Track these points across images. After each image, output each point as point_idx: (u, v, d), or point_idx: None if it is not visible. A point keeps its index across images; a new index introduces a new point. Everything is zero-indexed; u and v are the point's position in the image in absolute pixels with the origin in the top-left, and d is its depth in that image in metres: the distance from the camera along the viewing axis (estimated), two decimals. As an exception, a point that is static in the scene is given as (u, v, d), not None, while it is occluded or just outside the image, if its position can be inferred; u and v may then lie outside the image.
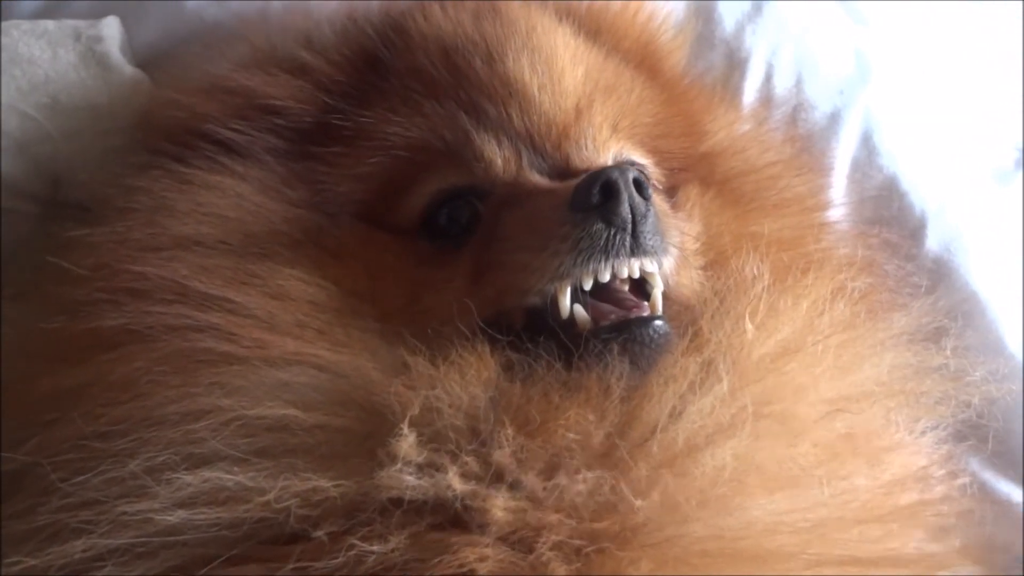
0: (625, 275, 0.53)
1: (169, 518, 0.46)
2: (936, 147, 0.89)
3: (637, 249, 0.53)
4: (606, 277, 0.53)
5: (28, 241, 0.67)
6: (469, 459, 0.47)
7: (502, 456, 0.47)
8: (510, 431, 0.47)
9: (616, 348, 0.50)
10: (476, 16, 0.65)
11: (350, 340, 0.52)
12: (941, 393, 0.60)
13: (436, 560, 0.45)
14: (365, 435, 0.48)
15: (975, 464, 0.77)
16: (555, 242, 0.52)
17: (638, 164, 0.63)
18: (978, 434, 0.77)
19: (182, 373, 0.50)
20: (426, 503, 0.46)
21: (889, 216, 0.84)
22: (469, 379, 0.49)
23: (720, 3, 0.85)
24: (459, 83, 0.61)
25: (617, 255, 0.53)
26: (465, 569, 0.45)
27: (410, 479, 0.46)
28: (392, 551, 0.44)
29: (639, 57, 0.71)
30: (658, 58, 0.73)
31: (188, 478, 0.47)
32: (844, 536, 0.50)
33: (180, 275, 0.53)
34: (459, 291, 0.55)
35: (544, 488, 0.46)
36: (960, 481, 0.62)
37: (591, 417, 0.48)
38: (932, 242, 0.83)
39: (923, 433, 0.60)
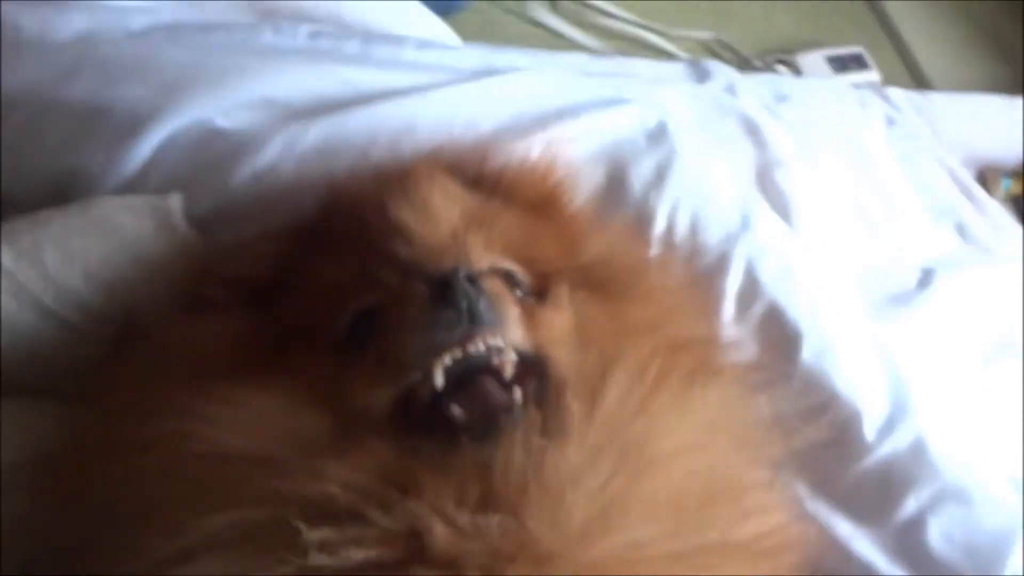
0: (472, 350, 0.68)
1: None
2: (811, 275, 1.11)
3: (475, 320, 0.68)
4: (458, 353, 0.68)
5: (97, 358, 0.88)
6: (369, 530, 0.59)
7: (398, 519, 0.60)
8: (403, 498, 0.62)
9: (480, 435, 0.66)
10: (379, 183, 0.85)
11: (289, 438, 0.67)
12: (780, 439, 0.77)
13: None
14: (291, 527, 0.59)
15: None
16: (419, 328, 0.68)
17: (507, 269, 0.80)
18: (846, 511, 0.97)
19: (172, 474, 0.66)
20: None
21: (773, 334, 1.04)
22: (359, 464, 0.62)
23: (631, 172, 1.10)
24: (362, 233, 0.79)
25: (459, 328, 0.68)
26: None
27: (325, 560, 0.57)
28: None
29: (531, 200, 0.90)
30: (549, 201, 0.92)
31: (182, 573, 0.60)
32: (701, 561, 0.64)
33: (174, 398, 0.70)
34: (368, 378, 0.69)
35: (469, 525, 0.60)
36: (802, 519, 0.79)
37: (466, 479, 0.63)
38: (806, 352, 1.02)
39: (772, 481, 0.75)
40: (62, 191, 0.98)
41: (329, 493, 0.62)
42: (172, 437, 0.68)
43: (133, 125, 0.97)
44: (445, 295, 0.69)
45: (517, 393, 0.70)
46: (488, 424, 0.67)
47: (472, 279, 0.71)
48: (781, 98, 1.51)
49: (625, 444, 0.67)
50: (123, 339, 0.87)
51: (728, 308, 1.06)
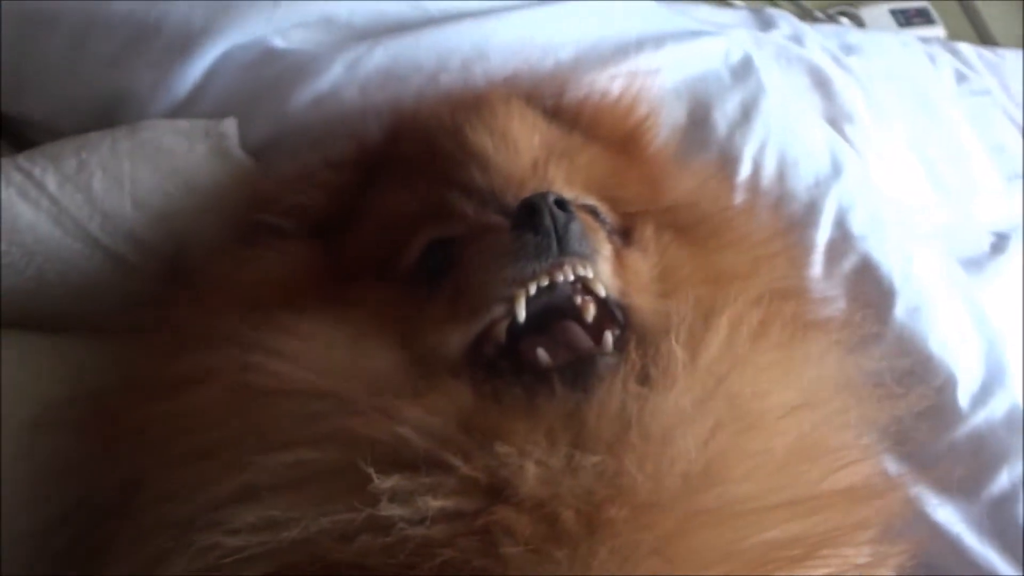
0: (561, 279, 0.63)
1: (234, 543, 0.54)
2: (902, 230, 1.03)
3: (565, 250, 0.63)
4: (545, 281, 0.63)
5: (145, 294, 0.82)
6: (447, 479, 0.55)
7: (483, 466, 0.55)
8: (488, 445, 0.56)
9: (570, 380, 0.61)
10: (453, 108, 0.80)
11: (356, 376, 0.63)
12: (877, 402, 0.71)
13: (470, 537, 0.53)
14: (361, 472, 0.55)
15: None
16: (501, 258, 0.64)
17: (592, 205, 0.75)
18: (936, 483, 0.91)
19: (233, 408, 0.61)
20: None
21: (865, 289, 0.96)
22: (436, 407, 0.58)
23: (715, 111, 1.01)
24: (436, 159, 0.75)
25: (547, 258, 0.62)
26: (495, 539, 0.53)
27: (399, 511, 0.54)
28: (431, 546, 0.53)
29: (613, 137, 0.84)
30: (631, 139, 0.86)
31: (247, 511, 0.55)
32: (794, 512, 0.59)
33: (235, 327, 0.66)
34: (441, 317, 0.66)
35: (563, 464, 0.56)
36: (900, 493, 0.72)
37: (557, 425, 0.58)
38: (899, 310, 0.95)
39: (867, 444, 0.70)
40: (108, 116, 0.92)
41: (403, 437, 0.57)
42: (232, 369, 0.63)
43: (184, 43, 0.90)
44: (532, 220, 0.64)
45: (608, 338, 0.65)
46: (580, 369, 0.62)
47: (562, 204, 0.65)
48: (849, 49, 1.42)
49: (729, 396, 0.62)
50: (173, 275, 0.81)
51: (817, 260, 0.98)
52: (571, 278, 0.64)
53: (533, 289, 0.63)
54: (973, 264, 1.18)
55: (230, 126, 0.86)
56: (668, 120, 0.96)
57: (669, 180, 0.85)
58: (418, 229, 0.72)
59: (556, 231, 0.63)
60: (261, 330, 0.64)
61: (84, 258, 0.80)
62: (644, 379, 0.61)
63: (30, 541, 0.69)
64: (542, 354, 0.63)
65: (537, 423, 0.58)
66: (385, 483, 0.54)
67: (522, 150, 0.74)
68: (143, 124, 0.85)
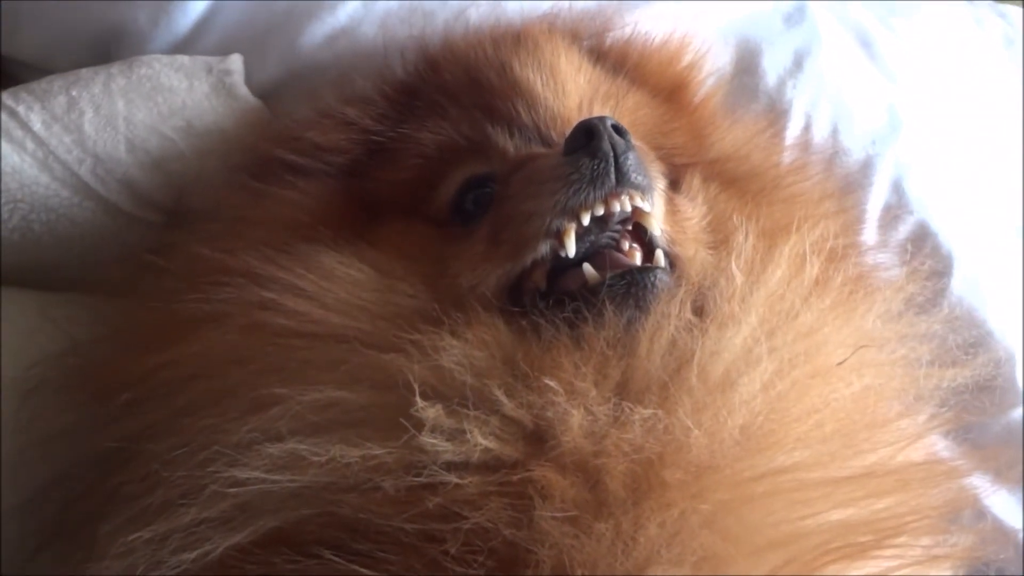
0: (617, 209, 0.57)
1: (253, 478, 0.50)
2: (961, 198, 0.93)
3: (622, 180, 0.57)
4: (600, 210, 0.57)
5: (137, 244, 0.74)
6: (491, 417, 0.50)
7: (528, 407, 0.50)
8: (534, 382, 0.51)
9: (621, 295, 0.55)
10: (494, 40, 0.73)
11: (384, 314, 0.57)
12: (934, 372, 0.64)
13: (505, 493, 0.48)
14: (397, 407, 0.51)
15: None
16: (551, 184, 0.57)
17: (639, 146, 0.66)
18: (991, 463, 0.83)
19: (251, 349, 0.56)
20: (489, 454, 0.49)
21: (921, 258, 0.88)
22: (477, 342, 0.53)
23: (764, 58, 0.91)
24: (477, 92, 0.69)
25: (604, 185, 0.56)
26: (534, 498, 0.47)
27: (441, 444, 0.49)
28: (464, 498, 0.47)
29: (659, 83, 0.77)
30: (678, 87, 0.78)
31: (270, 449, 0.51)
32: (850, 489, 0.53)
33: (251, 264, 0.59)
34: (480, 255, 0.59)
35: (609, 415, 0.50)
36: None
37: (600, 362, 0.52)
38: (957, 281, 0.87)
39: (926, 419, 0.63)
40: (104, 55, 0.83)
41: (446, 369, 0.51)
42: (247, 309, 0.57)
43: (186, -29, 0.81)
44: (589, 144, 0.57)
45: (660, 254, 0.59)
46: (632, 281, 0.56)
47: (620, 130, 0.58)
48: (892, 10, 1.31)
49: (794, 336, 0.56)
50: (173, 226, 0.73)
51: (871, 222, 0.88)
52: (628, 209, 0.58)
53: (587, 219, 0.57)
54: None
55: (235, 62, 0.77)
56: (714, 66, 0.86)
57: (717, 131, 0.77)
58: (455, 165, 0.66)
59: (615, 157, 0.57)
60: (277, 267, 0.58)
61: (74, 206, 0.72)
62: (700, 312, 0.56)
63: (19, 513, 0.64)
64: (588, 269, 0.56)
65: (584, 356, 0.52)
66: (428, 411, 0.50)
67: (569, 89, 0.68)
68: (140, 60, 0.76)
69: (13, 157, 0.70)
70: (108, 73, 0.74)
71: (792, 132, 0.89)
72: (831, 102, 0.91)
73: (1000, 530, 0.81)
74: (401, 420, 0.50)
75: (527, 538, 0.46)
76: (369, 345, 0.54)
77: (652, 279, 0.56)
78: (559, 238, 0.57)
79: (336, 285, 0.58)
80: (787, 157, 0.84)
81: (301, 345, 0.55)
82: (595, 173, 0.56)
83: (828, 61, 0.93)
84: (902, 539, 0.53)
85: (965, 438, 0.83)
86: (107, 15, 0.83)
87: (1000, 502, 0.82)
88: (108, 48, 0.84)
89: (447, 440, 0.49)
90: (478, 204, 0.64)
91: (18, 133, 0.71)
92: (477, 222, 0.62)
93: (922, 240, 0.89)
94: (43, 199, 0.71)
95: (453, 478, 0.48)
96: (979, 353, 0.84)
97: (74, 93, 0.72)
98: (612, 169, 0.57)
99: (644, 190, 0.58)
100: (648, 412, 0.50)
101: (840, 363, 0.57)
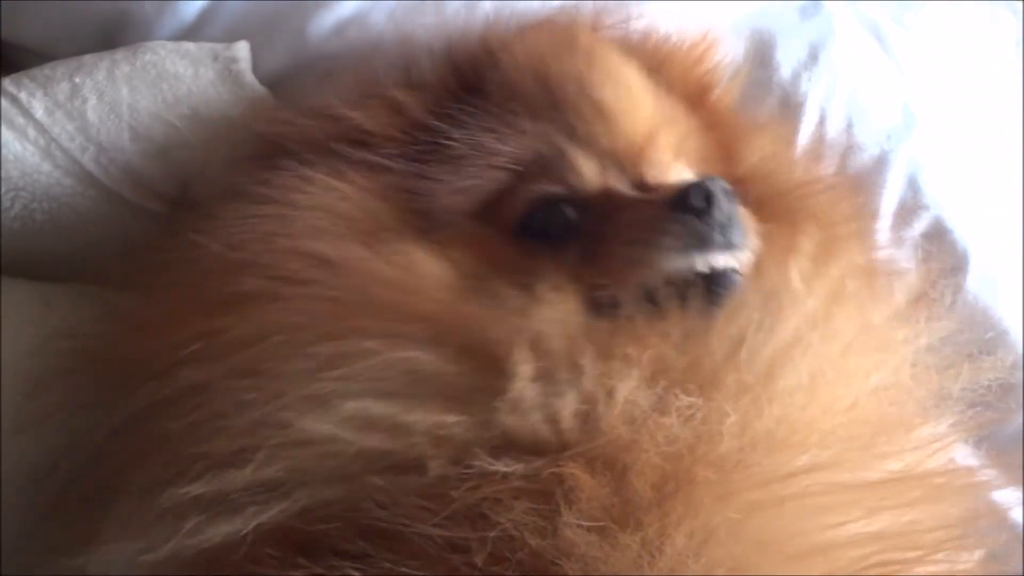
0: (720, 267, 0.59)
1: (327, 432, 0.48)
2: (977, 196, 0.91)
3: (727, 244, 0.59)
4: (705, 268, 0.59)
5: (141, 236, 0.71)
6: (576, 387, 0.50)
7: (604, 380, 0.50)
8: (607, 358, 0.51)
9: (703, 291, 0.57)
10: (560, 46, 0.70)
11: (468, 301, 0.56)
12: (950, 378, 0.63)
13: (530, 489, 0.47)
14: (482, 376, 0.51)
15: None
16: (659, 238, 0.59)
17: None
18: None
19: (327, 317, 0.54)
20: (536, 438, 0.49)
21: (936, 255, 0.85)
22: (562, 309, 0.54)
23: (778, 51, 0.89)
24: (552, 105, 0.66)
25: (711, 250, 0.59)
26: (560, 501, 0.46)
27: (530, 397, 0.49)
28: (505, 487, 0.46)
29: (687, 91, 0.75)
30: (704, 93, 0.77)
31: (346, 404, 0.49)
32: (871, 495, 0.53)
33: (318, 249, 0.58)
34: (562, 283, 0.58)
35: (653, 403, 0.49)
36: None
37: (673, 341, 0.53)
38: (973, 279, 0.85)
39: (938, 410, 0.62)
40: (109, 43, 0.80)
41: (540, 331, 0.52)
42: (318, 289, 0.55)
43: (190, -41, 0.79)
44: (705, 210, 0.59)
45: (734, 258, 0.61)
46: (715, 279, 0.59)
47: (729, 194, 0.60)
48: (905, 7, 1.29)
49: (831, 336, 0.57)
50: (177, 216, 0.71)
51: (885, 221, 0.86)
52: (728, 267, 0.60)
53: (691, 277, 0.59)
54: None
55: (242, 50, 0.75)
56: (726, 59, 0.84)
57: (743, 145, 0.76)
58: (526, 179, 0.65)
59: (724, 223, 0.59)
60: (350, 248, 0.57)
61: (76, 195, 0.70)
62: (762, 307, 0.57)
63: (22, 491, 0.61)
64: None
65: (654, 341, 0.53)
66: (525, 368, 0.50)
67: (643, 114, 0.68)
68: (144, 46, 0.74)
69: (15, 145, 0.68)
70: (112, 59, 0.72)
71: (807, 126, 0.87)
72: (846, 96, 0.89)
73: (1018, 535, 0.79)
74: (484, 389, 0.50)
75: (553, 549, 0.45)
76: (459, 316, 0.54)
77: (729, 277, 0.59)
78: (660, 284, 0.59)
79: (418, 278, 0.57)
80: (818, 173, 0.82)
81: (384, 320, 0.54)
82: (704, 238, 0.59)
83: (843, 55, 0.91)
84: (941, 555, 0.52)
85: (981, 443, 0.82)
86: (113, 3, 0.81)
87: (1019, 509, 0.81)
88: (113, 35, 0.82)
89: (542, 396, 0.49)
90: (548, 224, 0.63)
91: (20, 120, 0.69)
92: (561, 247, 0.62)
93: (937, 237, 0.87)
94: (45, 188, 0.69)
95: (500, 467, 0.47)
96: (996, 352, 0.83)
97: (77, 80, 0.70)
98: (718, 233, 0.59)
99: (743, 248, 0.61)
100: (688, 400, 0.49)
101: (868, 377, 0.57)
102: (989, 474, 0.77)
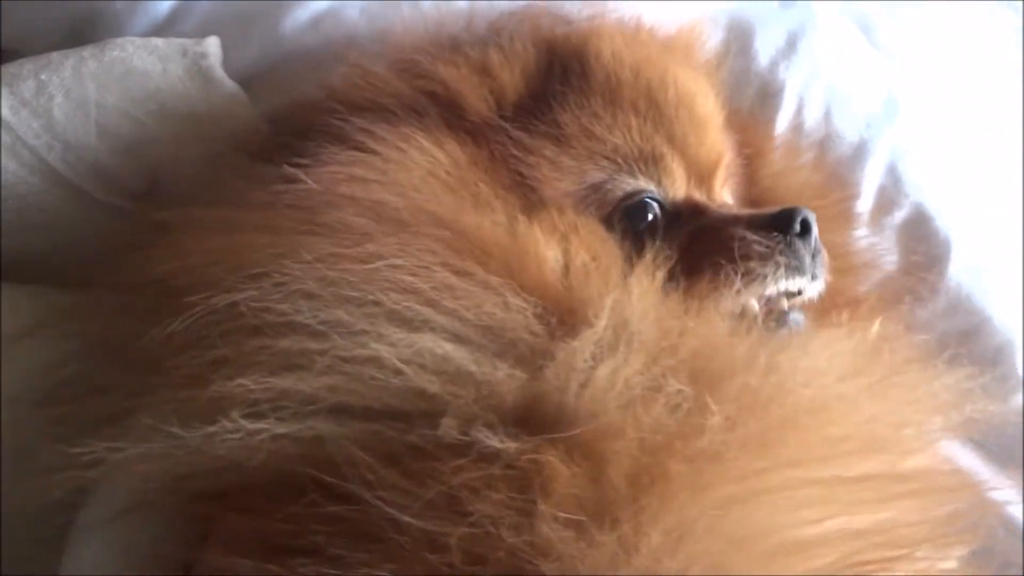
0: (804, 294, 0.65)
1: (395, 364, 0.48)
2: (960, 182, 0.90)
3: (815, 272, 0.65)
4: (798, 289, 0.64)
5: (114, 234, 0.69)
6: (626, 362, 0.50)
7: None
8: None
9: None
10: (662, 50, 0.73)
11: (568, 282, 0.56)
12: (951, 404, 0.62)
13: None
14: (556, 336, 0.51)
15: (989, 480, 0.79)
16: (760, 256, 0.63)
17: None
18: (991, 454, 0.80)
19: (436, 256, 0.53)
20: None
21: (917, 241, 0.85)
22: (650, 292, 0.55)
23: (757, 39, 0.88)
24: (655, 106, 0.68)
25: (802, 276, 0.64)
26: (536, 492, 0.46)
27: (582, 358, 0.49)
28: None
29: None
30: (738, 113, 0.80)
31: (416, 336, 0.49)
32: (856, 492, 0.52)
33: (425, 201, 0.57)
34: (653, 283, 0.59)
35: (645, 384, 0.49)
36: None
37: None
38: (955, 267, 0.84)
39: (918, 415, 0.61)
40: (81, 39, 0.79)
41: (620, 303, 0.54)
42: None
43: (160, -47, 0.78)
44: (801, 235, 0.64)
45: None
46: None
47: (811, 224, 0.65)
48: (903, 4, 1.28)
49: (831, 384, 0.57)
50: (147, 216, 0.69)
51: (865, 207, 0.85)
52: (810, 296, 0.66)
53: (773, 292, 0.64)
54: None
55: (211, 45, 0.74)
56: (700, 51, 0.83)
57: (761, 165, 0.79)
58: (619, 171, 0.67)
59: (811, 251, 0.65)
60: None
61: (43, 193, 0.69)
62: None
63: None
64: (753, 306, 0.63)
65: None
66: (593, 329, 0.51)
67: (720, 132, 0.73)
68: (112, 43, 0.73)
69: (-21, 143, 0.67)
70: (79, 56, 0.71)
71: (784, 115, 0.86)
72: (825, 84, 0.88)
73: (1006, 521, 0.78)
74: (550, 351, 0.50)
75: (530, 547, 0.44)
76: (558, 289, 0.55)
77: (796, 320, 0.65)
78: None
79: (533, 256, 0.57)
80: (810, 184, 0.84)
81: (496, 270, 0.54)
82: (800, 264, 0.64)
83: (823, 43, 0.90)
84: (921, 553, 0.51)
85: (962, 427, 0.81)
86: (84, 1, 0.81)
87: (1007, 494, 0.80)
88: (84, 34, 0.81)
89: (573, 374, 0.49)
90: (632, 219, 0.65)
91: (-15, 118, 0.68)
92: (654, 242, 0.63)
93: (919, 225, 0.86)
94: (11, 186, 0.68)
95: (495, 442, 0.46)
96: (974, 341, 0.83)
97: (43, 77, 0.69)
98: (810, 261, 0.64)
99: (819, 279, 0.66)
100: (677, 387, 0.49)
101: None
102: (985, 470, 0.76)
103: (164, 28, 0.79)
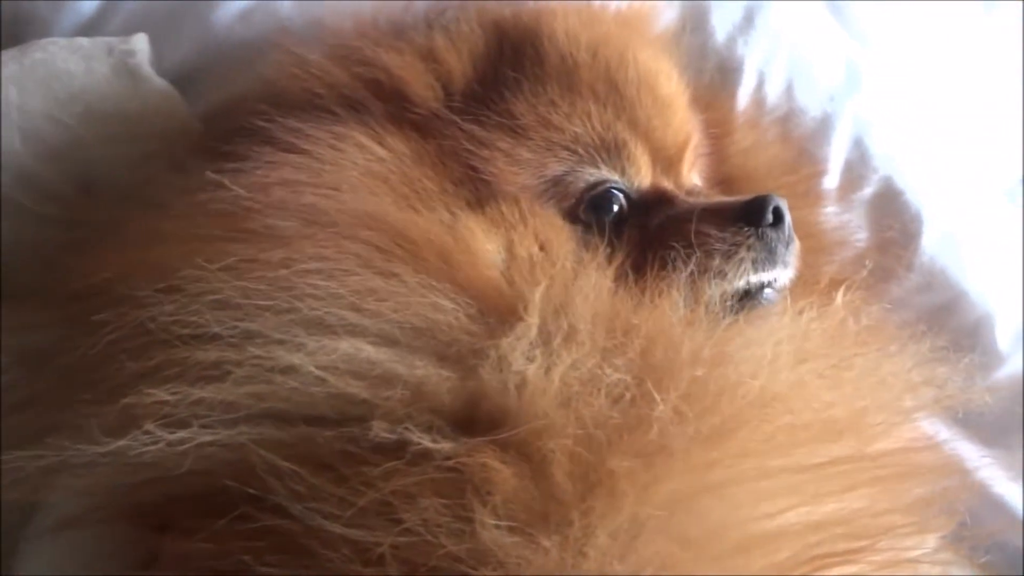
0: (775, 281, 0.63)
1: (306, 370, 0.46)
2: (930, 153, 0.88)
3: (785, 260, 0.62)
4: (768, 281, 0.62)
5: (47, 243, 0.67)
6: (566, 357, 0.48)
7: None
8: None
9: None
10: (621, 32, 0.70)
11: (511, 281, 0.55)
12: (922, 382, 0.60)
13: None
14: (491, 334, 0.49)
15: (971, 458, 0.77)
16: (742, 251, 0.61)
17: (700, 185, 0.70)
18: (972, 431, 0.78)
19: (363, 258, 0.51)
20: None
21: (887, 216, 0.83)
22: (597, 285, 0.53)
23: (713, 15, 0.85)
24: (613, 88, 0.65)
25: (776, 265, 0.62)
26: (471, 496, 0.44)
27: (518, 355, 0.47)
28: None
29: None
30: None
31: (337, 342, 0.47)
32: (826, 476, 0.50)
33: (355, 204, 0.55)
34: (618, 275, 0.58)
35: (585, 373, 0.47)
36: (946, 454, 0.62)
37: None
38: (928, 240, 0.82)
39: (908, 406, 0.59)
40: (9, 42, 0.77)
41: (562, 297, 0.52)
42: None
43: (84, -52, 0.75)
44: (774, 225, 0.62)
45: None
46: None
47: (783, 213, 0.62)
48: None
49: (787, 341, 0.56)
50: (77, 223, 0.66)
51: (832, 183, 0.83)
52: (780, 283, 0.63)
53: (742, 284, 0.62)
54: (1006, 193, 1.03)
55: (139, 42, 0.71)
56: (658, 27, 0.80)
57: (729, 143, 0.77)
58: (581, 160, 0.64)
59: (781, 240, 0.62)
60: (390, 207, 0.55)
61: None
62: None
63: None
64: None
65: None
66: (529, 324, 0.49)
67: (686, 113, 0.70)
68: (35, 44, 0.70)
69: None
70: None
71: (744, 91, 0.84)
72: (786, 59, 0.85)
73: (989, 498, 0.76)
74: (483, 351, 0.48)
75: (470, 555, 0.42)
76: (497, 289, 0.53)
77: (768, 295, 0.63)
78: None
79: (470, 253, 0.55)
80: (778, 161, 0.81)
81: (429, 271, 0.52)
82: (770, 255, 0.62)
83: (781, 16, 0.87)
84: (885, 542, 0.49)
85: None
86: (11, 3, 0.78)
87: (991, 471, 0.78)
88: (14, 38, 0.78)
89: (510, 371, 0.47)
90: (600, 211, 0.63)
91: (-99, 128, 0.65)
92: (606, 237, 0.62)
93: (889, 199, 0.84)
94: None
95: (427, 441, 0.45)
96: (950, 316, 0.80)
97: (-38, 82, 0.67)
98: (783, 250, 0.62)
99: (785, 267, 0.63)
100: (617, 376, 0.47)
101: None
102: (968, 448, 0.74)
103: (91, 27, 0.77)
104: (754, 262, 0.61)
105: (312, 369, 0.46)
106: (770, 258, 0.62)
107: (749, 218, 0.62)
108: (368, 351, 0.47)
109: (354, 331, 0.48)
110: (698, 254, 0.60)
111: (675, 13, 0.85)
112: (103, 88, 0.68)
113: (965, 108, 1.06)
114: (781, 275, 0.63)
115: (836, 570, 0.46)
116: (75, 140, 0.67)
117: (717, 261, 0.60)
